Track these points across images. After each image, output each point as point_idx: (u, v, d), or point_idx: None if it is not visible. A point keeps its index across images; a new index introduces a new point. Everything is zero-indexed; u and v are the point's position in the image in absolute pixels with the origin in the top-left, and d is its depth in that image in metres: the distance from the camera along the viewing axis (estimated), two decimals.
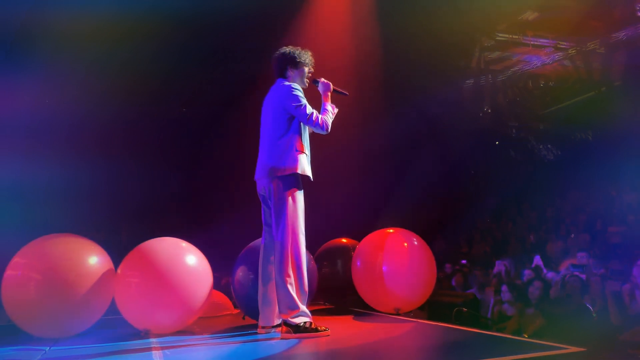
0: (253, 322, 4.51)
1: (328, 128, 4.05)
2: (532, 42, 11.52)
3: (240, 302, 4.86)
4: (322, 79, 4.25)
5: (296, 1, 9.31)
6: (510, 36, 11.49)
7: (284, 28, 8.96)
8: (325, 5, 9.46)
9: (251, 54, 8.98)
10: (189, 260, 4.35)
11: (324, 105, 4.14)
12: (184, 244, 4.48)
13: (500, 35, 11.55)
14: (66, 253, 4.28)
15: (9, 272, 4.20)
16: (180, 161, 9.76)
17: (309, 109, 4.02)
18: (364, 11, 9.45)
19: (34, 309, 4.12)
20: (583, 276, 6.30)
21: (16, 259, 4.25)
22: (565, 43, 11.61)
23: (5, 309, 4.22)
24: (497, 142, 13.04)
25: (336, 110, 4.16)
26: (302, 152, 4.05)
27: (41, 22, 7.71)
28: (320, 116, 4.03)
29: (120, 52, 8.45)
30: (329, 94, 4.22)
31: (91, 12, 7.70)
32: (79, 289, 4.17)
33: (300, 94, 4.08)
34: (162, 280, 4.15)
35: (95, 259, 4.35)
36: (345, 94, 4.27)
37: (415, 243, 5.10)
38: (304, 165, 4.03)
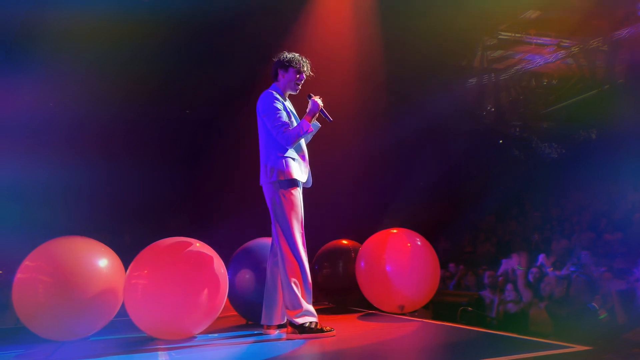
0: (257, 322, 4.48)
1: (289, 142, 3.97)
2: (534, 41, 11.49)
3: (234, 303, 4.85)
4: (315, 98, 4.12)
5: (298, 2, 9.28)
6: (513, 35, 11.46)
7: (285, 29, 8.94)
8: (327, 6, 9.44)
9: (252, 54, 8.95)
10: (208, 263, 4.09)
11: (302, 121, 4.05)
12: (198, 243, 4.22)
13: (503, 34, 11.52)
14: (77, 256, 4.22)
15: (19, 276, 4.14)
16: (180, 161, 9.72)
17: (275, 119, 3.98)
18: (366, 12, 9.42)
19: (44, 312, 4.06)
20: (586, 275, 6.25)
21: (27, 262, 4.18)
22: (568, 41, 11.57)
23: (17, 311, 4.20)
24: (500, 141, 12.99)
25: (310, 130, 4.03)
26: (289, 156, 4.03)
27: (41, 22, 7.69)
28: (286, 128, 3.97)
29: (120, 52, 8.42)
30: (314, 114, 4.09)
31: (91, 12, 7.67)
32: (89, 292, 4.10)
33: (275, 103, 4.03)
34: (182, 285, 3.88)
35: (105, 262, 4.28)
36: (330, 120, 4.16)
37: (419, 243, 5.10)
38: (292, 169, 4.00)
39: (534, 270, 6.88)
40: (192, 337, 4.11)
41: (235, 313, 5.04)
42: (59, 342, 4.20)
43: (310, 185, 4.26)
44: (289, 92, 4.23)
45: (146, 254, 4.08)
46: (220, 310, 4.13)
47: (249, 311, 4.79)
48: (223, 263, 4.22)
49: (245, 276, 4.71)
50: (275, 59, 4.20)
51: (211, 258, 4.11)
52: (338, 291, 5.65)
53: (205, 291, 3.95)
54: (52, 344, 4.13)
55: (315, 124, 4.19)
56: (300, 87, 4.22)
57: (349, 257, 5.57)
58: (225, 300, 4.20)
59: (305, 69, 4.18)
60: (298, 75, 4.16)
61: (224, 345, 3.95)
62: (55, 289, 4.04)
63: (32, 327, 4.17)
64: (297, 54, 4.19)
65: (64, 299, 4.03)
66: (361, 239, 5.52)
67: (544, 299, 6.02)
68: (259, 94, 4.21)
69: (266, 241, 4.77)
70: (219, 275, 4.08)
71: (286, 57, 4.15)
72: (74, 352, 3.86)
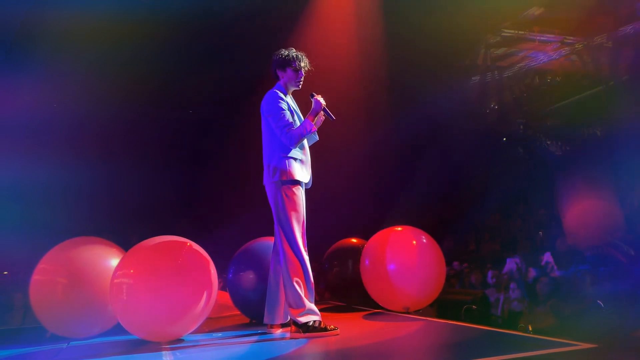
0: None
1: (292, 142, 3.95)
2: (538, 38, 11.44)
3: (237, 303, 4.86)
4: (317, 97, 4.09)
5: (299, 2, 9.25)
6: (516, 32, 11.42)
7: (287, 29, 8.90)
8: (328, 5, 9.41)
9: (252, 54, 8.90)
10: (196, 263, 3.95)
11: (305, 121, 4.02)
12: (188, 243, 4.10)
13: (506, 31, 11.48)
14: (89, 257, 4.35)
15: (35, 277, 4.32)
16: (181, 161, 9.73)
17: (280, 120, 3.96)
18: (369, 10, 9.39)
19: (59, 310, 4.22)
20: (590, 274, 6.21)
21: (42, 265, 4.34)
22: (571, 38, 11.50)
23: (33, 309, 4.34)
24: (504, 139, 12.92)
25: (314, 130, 4.01)
26: (292, 156, 4.01)
27: (41, 22, 7.68)
28: (290, 128, 3.95)
29: (120, 52, 8.40)
30: (317, 113, 4.06)
31: (91, 12, 7.66)
32: (99, 292, 4.19)
33: (280, 103, 4.01)
34: (167, 286, 3.74)
35: (116, 262, 4.27)
36: (333, 118, 4.11)
37: (424, 241, 5.06)
38: (295, 170, 3.99)
39: (536, 269, 6.86)
40: (191, 334, 4.05)
41: (237, 312, 5.03)
42: (65, 341, 4.24)
43: (310, 185, 4.22)
44: (292, 89, 4.20)
45: (133, 254, 3.97)
46: (209, 311, 4.03)
47: (251, 310, 4.78)
48: (212, 263, 4.10)
49: (248, 276, 4.72)
50: (272, 58, 4.16)
51: (200, 257, 4.01)
52: (348, 289, 5.69)
53: (192, 292, 3.83)
54: (57, 344, 4.16)
55: (313, 137, 4.20)
56: (302, 83, 4.18)
57: (358, 255, 5.56)
58: (214, 300, 4.09)
59: (303, 64, 4.13)
60: (297, 73, 4.12)
61: (227, 344, 3.93)
62: (70, 289, 4.21)
63: (47, 324, 4.31)
64: (293, 51, 4.13)
65: (77, 299, 4.18)
66: (367, 238, 5.50)
67: (547, 298, 5.97)
68: (260, 94, 4.18)
69: (268, 241, 4.75)
70: (206, 275, 3.95)
71: (282, 57, 4.11)
72: (79, 352, 3.88)
